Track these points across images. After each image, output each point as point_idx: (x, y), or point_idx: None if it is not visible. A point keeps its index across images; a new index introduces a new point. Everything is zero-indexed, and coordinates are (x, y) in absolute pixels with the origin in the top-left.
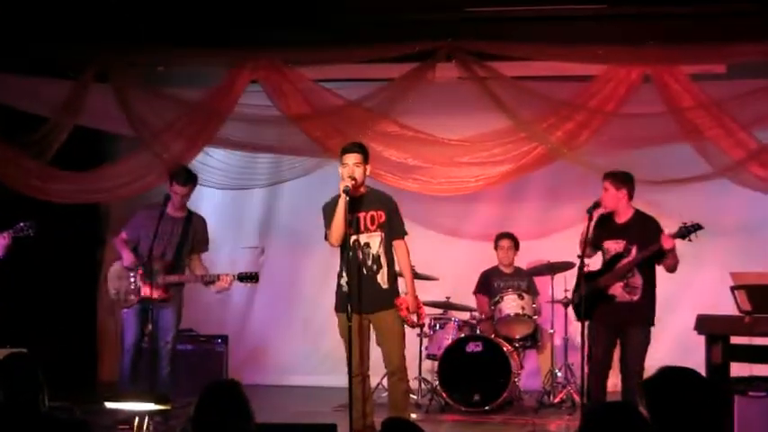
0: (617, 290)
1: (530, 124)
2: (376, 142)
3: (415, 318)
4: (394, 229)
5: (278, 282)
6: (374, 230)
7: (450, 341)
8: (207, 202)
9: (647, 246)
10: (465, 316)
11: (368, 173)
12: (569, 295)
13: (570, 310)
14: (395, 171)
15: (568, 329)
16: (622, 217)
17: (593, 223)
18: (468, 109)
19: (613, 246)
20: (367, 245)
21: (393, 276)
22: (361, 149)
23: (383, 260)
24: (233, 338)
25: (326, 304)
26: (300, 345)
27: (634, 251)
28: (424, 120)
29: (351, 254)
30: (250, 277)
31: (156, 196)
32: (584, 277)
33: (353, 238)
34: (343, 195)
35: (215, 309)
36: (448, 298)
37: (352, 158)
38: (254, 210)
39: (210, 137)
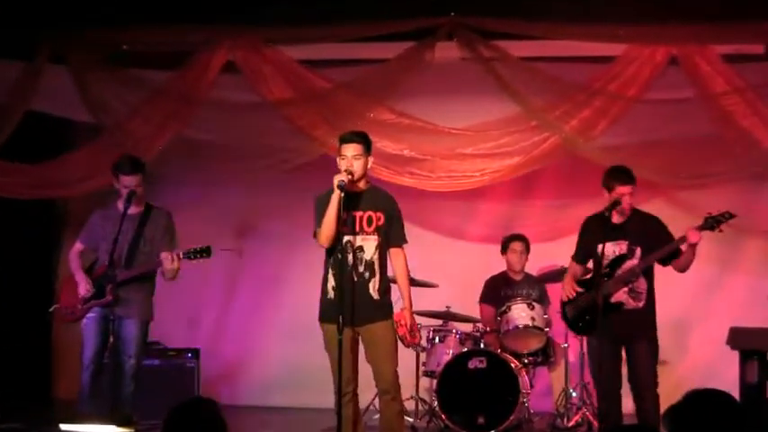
0: (622, 296)
1: (541, 111)
2: (368, 131)
3: (410, 336)
4: (393, 236)
5: (256, 288)
6: (370, 233)
7: (450, 356)
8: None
9: (651, 245)
10: (468, 328)
11: (369, 166)
12: None
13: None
14: (389, 164)
15: (584, 344)
16: (620, 216)
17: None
18: (471, 94)
19: (612, 248)
20: (360, 248)
21: (386, 286)
22: (363, 139)
23: (377, 267)
24: (206, 352)
25: (312, 314)
26: (282, 360)
27: (638, 252)
28: (423, 106)
29: (341, 257)
30: (200, 252)
31: None
32: (581, 286)
33: (346, 239)
34: (336, 191)
35: (186, 319)
36: (448, 307)
37: (351, 149)
38: (228, 207)
39: (181, 125)
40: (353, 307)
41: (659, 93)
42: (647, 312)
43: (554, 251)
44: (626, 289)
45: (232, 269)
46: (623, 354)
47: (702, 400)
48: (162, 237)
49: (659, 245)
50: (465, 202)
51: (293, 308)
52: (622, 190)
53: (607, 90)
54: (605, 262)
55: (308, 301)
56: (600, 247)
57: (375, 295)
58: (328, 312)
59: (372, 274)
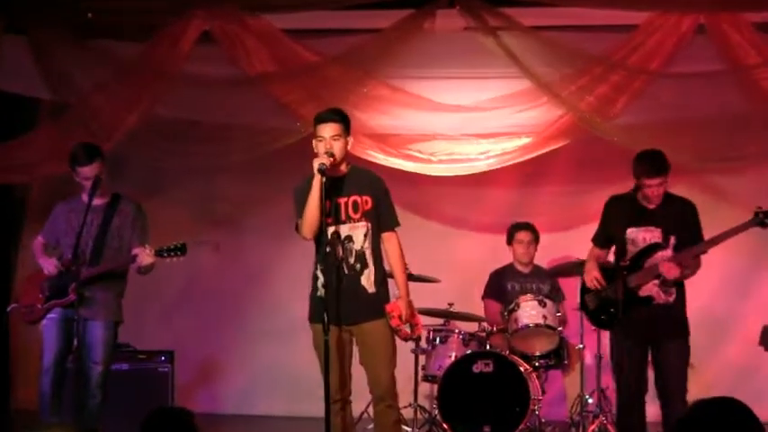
0: (652, 289)
1: (553, 87)
2: (360, 109)
3: (408, 329)
4: (384, 219)
5: (236, 285)
6: (358, 220)
7: (452, 359)
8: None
9: (687, 234)
10: (472, 327)
11: (350, 147)
12: None
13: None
14: (384, 146)
15: (602, 344)
16: (651, 202)
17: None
18: (476, 67)
19: (643, 235)
20: (349, 238)
21: (381, 278)
22: (341, 118)
23: (369, 257)
24: (181, 355)
25: (298, 313)
26: (266, 363)
27: (673, 241)
28: (421, 81)
29: (328, 249)
30: (174, 251)
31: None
32: (604, 275)
33: (332, 229)
34: (317, 176)
35: (158, 318)
36: (450, 305)
37: (328, 129)
38: (204, 195)
39: (151, 102)
40: (345, 304)
41: (685, 66)
42: (678, 307)
43: (567, 242)
44: (657, 282)
45: (209, 263)
46: (650, 355)
47: (711, 411)
48: (132, 230)
49: (691, 235)
50: (469, 188)
51: (277, 306)
52: (650, 182)
53: (627, 63)
54: (633, 249)
55: (294, 299)
56: (626, 231)
57: (370, 288)
58: (318, 311)
59: (364, 266)
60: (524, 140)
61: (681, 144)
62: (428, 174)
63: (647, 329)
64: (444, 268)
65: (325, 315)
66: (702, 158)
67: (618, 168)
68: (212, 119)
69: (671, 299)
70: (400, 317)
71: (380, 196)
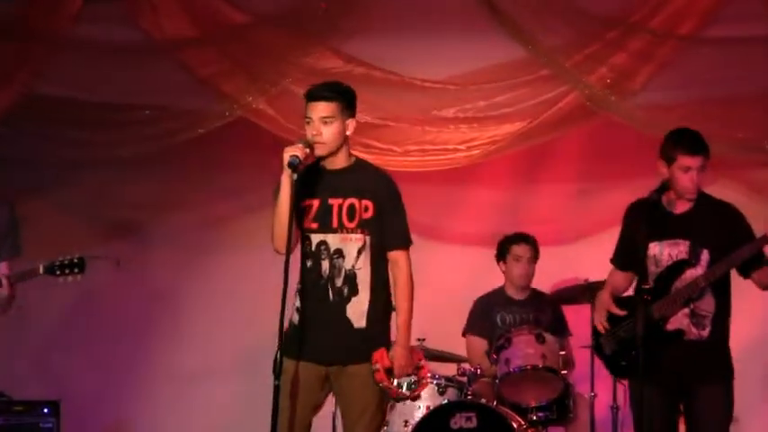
0: (682, 322)
1: (556, 55)
2: (304, 85)
3: (404, 387)
4: (390, 233)
5: (142, 312)
6: (353, 230)
7: (424, 411)
8: None
9: (723, 246)
10: (449, 370)
11: (350, 131)
12: None
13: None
14: None
15: (619, 392)
16: (680, 205)
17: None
18: (455, 31)
19: (668, 250)
20: (338, 252)
21: (379, 310)
22: (337, 94)
23: (362, 280)
24: (69, 406)
25: (225, 347)
26: (183, 415)
27: (706, 256)
28: (383, 48)
29: (310, 263)
30: (70, 267)
31: None
32: (623, 306)
33: (318, 238)
34: (286, 171)
35: (38, 358)
36: (421, 340)
37: (319, 109)
38: (101, 196)
39: (31, 75)
40: (325, 337)
41: (723, 29)
42: (716, 345)
43: (574, 258)
44: (687, 311)
45: (105, 285)
46: (681, 405)
47: None
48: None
49: (734, 245)
50: (445, 188)
51: (195, 338)
52: (687, 162)
53: (649, 25)
54: (657, 270)
55: (218, 330)
56: (647, 247)
57: (357, 321)
58: (288, 344)
59: (353, 291)
60: (516, 126)
61: (719, 128)
62: (390, 169)
63: (676, 373)
64: (414, 293)
65: (278, 354)
66: (747, 147)
67: (639, 161)
68: (108, 98)
69: (704, 333)
70: (388, 371)
71: (387, 202)
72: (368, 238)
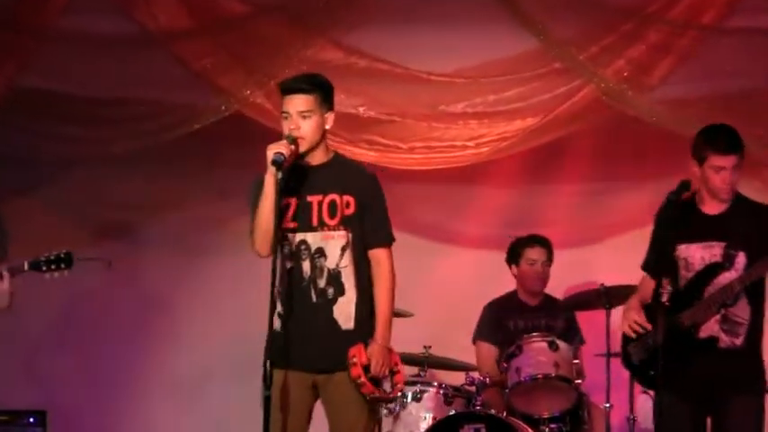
0: (714, 329)
1: (569, 48)
2: None
3: (386, 387)
4: (372, 230)
5: (134, 316)
6: (335, 227)
7: (430, 422)
8: None
9: (760, 249)
10: (457, 379)
11: (329, 125)
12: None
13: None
14: (337, 129)
15: (636, 403)
16: (714, 204)
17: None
18: (464, 22)
19: (700, 253)
20: (320, 252)
21: (366, 310)
22: (314, 86)
23: (347, 280)
24: (56, 416)
25: (216, 353)
26: (173, 425)
27: (742, 259)
28: (388, 40)
29: (290, 265)
30: (57, 262)
31: None
32: (648, 311)
33: (298, 237)
34: (271, 170)
35: (24, 365)
36: (427, 348)
37: (296, 103)
38: (91, 195)
39: (18, 68)
40: (311, 343)
41: (746, 19)
42: (749, 354)
43: (589, 261)
44: (719, 318)
45: (96, 287)
46: (710, 419)
47: None
48: None
49: None
50: (453, 187)
51: (190, 345)
52: (719, 161)
53: (668, 16)
54: (689, 275)
55: (213, 336)
56: (677, 249)
57: (345, 323)
58: (272, 353)
59: (339, 292)
60: (528, 122)
61: (741, 124)
62: (395, 167)
63: (704, 384)
64: (419, 298)
65: (267, 363)
66: None
67: (657, 159)
68: (99, 92)
69: (738, 342)
70: (365, 367)
71: (369, 198)
72: (350, 236)
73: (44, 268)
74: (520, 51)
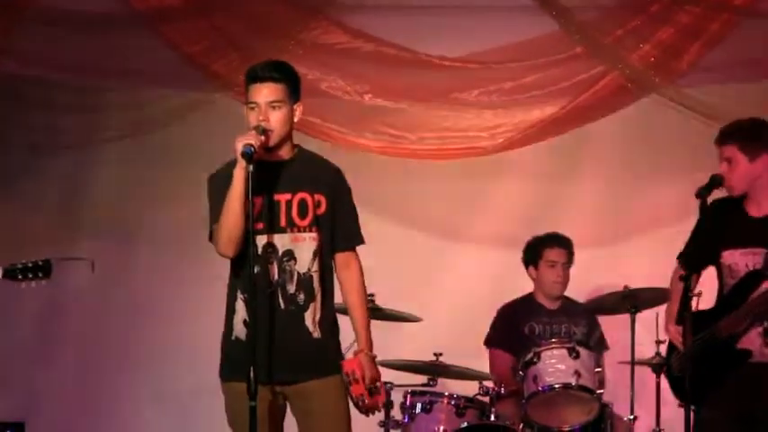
0: (754, 342)
1: (592, 31)
2: (305, 63)
3: (376, 397)
4: (341, 232)
5: (119, 322)
6: (305, 229)
7: None
8: None
9: None
10: (469, 388)
11: (297, 118)
12: (664, 351)
13: (663, 379)
14: (340, 118)
15: (662, 414)
16: (760, 206)
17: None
18: (477, 3)
19: (745, 260)
20: (289, 255)
21: (331, 316)
22: (283, 75)
23: (317, 285)
24: (34, 428)
25: (210, 364)
26: None
27: None
28: (396, 22)
29: (257, 270)
30: (34, 271)
31: None
32: (696, 319)
33: (263, 239)
34: (241, 162)
35: (3, 374)
36: (438, 355)
37: (264, 92)
38: (71, 190)
39: None
40: (281, 353)
41: None
42: None
43: (612, 263)
44: (761, 329)
45: (78, 290)
46: None
47: None
48: None
49: None
50: (465, 181)
51: (181, 354)
52: None
53: None
54: (731, 282)
55: (204, 344)
56: (721, 255)
57: (315, 332)
58: (235, 363)
59: (310, 298)
60: (547, 111)
61: None
62: (401, 159)
63: (742, 398)
64: (429, 301)
65: (251, 371)
66: None
67: (686, 151)
68: (80, 78)
69: None
70: (362, 379)
71: (339, 197)
72: (321, 237)
73: (20, 276)
74: (538, 35)
